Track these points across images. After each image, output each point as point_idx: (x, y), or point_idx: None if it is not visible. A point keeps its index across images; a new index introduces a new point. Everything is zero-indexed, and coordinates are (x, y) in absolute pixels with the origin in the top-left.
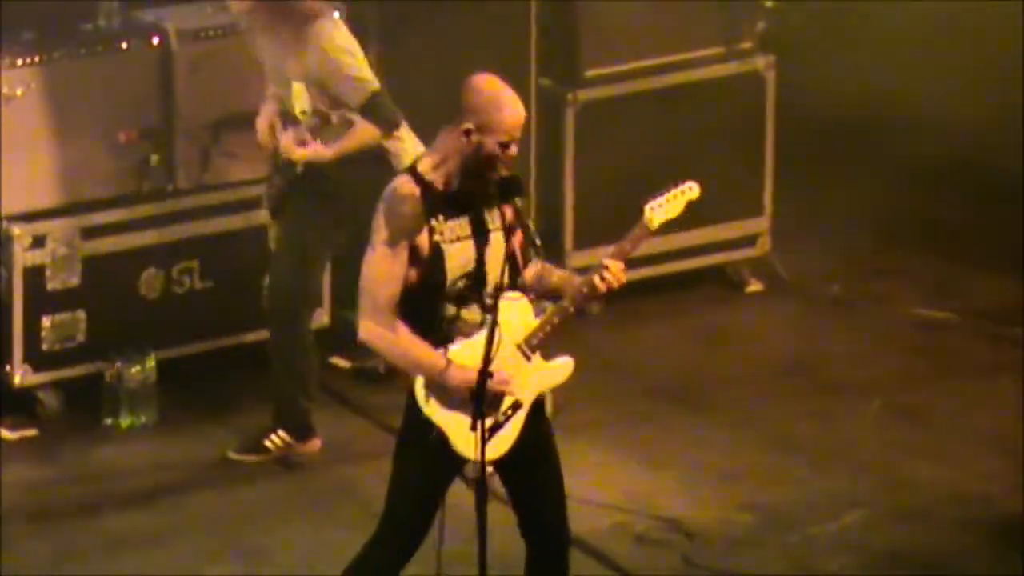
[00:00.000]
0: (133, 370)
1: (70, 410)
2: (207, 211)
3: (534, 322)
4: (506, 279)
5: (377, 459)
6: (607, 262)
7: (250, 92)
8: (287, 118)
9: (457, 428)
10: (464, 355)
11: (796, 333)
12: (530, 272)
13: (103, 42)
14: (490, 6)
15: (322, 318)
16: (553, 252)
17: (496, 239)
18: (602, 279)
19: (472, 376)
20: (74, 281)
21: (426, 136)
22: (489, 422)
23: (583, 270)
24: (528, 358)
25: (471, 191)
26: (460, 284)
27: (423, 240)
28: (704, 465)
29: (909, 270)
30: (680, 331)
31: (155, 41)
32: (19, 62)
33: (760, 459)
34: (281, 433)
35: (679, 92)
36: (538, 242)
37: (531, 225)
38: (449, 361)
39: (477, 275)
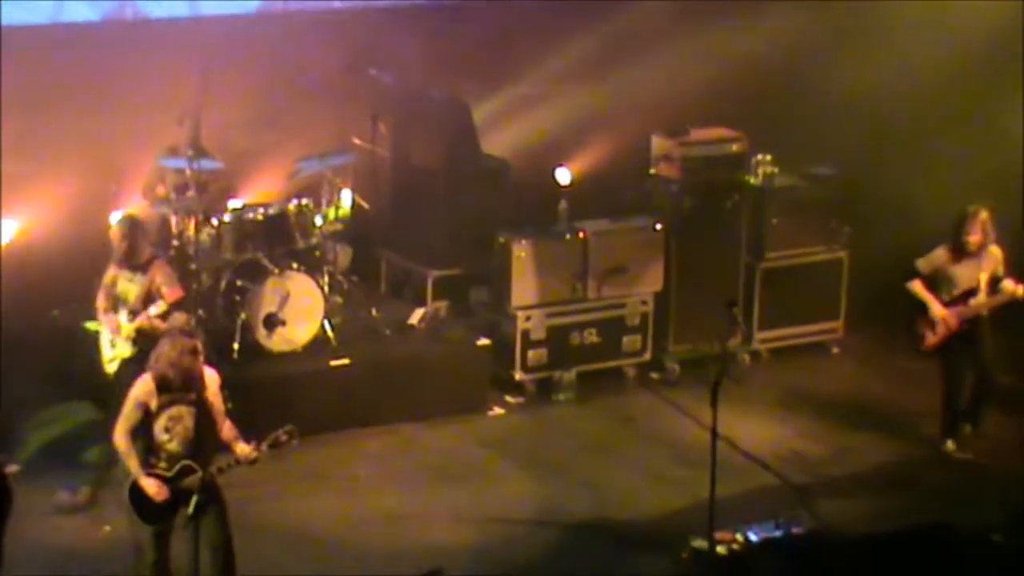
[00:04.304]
0: (567, 376)
1: (538, 392)
2: (601, 307)
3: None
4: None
5: (681, 421)
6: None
7: (619, 258)
8: None
9: None
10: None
11: (860, 381)
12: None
13: (555, 235)
14: (723, 232)
15: (645, 355)
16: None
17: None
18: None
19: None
20: (542, 335)
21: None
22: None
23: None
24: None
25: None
26: None
27: None
28: None
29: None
30: (788, 374)
31: (581, 235)
32: (522, 241)
33: None
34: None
35: (807, 267)
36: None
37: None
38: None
39: None
